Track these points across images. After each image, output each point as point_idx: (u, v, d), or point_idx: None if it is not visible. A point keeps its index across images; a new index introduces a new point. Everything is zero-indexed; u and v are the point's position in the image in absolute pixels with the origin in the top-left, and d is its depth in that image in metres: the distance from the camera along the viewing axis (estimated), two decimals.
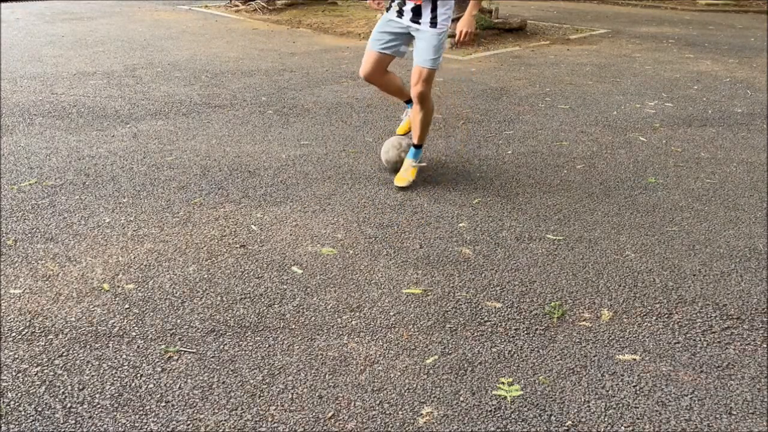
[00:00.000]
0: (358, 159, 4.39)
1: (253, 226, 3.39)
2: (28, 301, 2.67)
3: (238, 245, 3.18)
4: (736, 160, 4.47)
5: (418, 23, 3.61)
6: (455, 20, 8.97)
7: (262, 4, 12.05)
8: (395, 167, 4.02)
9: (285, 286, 2.82)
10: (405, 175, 3.91)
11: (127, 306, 2.65)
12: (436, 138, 4.82)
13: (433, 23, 3.59)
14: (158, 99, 5.83)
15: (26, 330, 2.48)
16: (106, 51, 8.00)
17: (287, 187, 3.91)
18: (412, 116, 3.90)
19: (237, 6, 12.48)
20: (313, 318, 2.59)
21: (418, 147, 3.93)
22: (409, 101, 4.03)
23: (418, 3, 3.59)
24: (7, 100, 5.64)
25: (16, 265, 2.96)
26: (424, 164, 4.04)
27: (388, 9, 3.72)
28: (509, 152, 4.57)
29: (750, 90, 6.50)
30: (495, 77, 6.94)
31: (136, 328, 2.51)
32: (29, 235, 3.24)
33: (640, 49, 8.79)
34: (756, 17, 12.83)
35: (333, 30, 10.08)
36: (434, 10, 3.57)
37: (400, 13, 3.67)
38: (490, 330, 2.53)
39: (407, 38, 3.74)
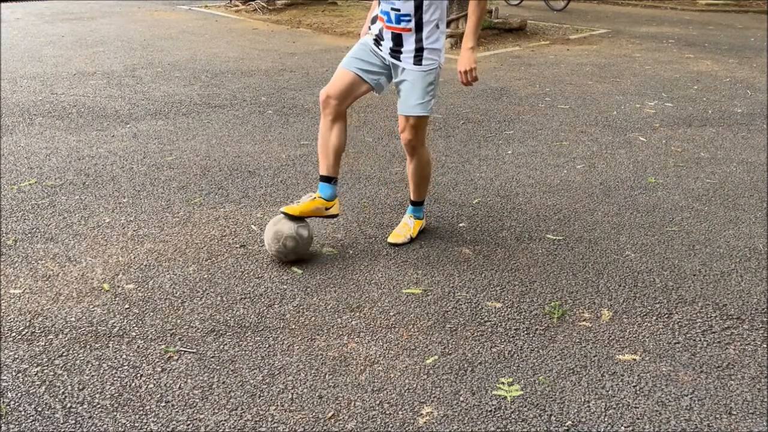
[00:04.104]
0: (358, 159, 4.39)
1: (253, 226, 3.39)
2: (28, 301, 2.67)
3: (238, 245, 3.18)
4: (736, 160, 4.47)
5: (398, 58, 2.89)
6: (455, 20, 8.79)
7: (262, 4, 12.05)
8: (283, 258, 3.00)
9: (285, 286, 2.82)
10: (402, 231, 3.24)
11: (127, 306, 2.65)
12: (436, 138, 4.82)
13: (418, 60, 2.86)
14: (158, 99, 5.83)
15: (26, 330, 2.48)
16: (106, 51, 8.00)
17: (287, 187, 3.90)
18: (408, 169, 3.21)
19: (237, 6, 12.48)
20: (313, 318, 2.59)
21: (417, 204, 3.27)
22: (329, 179, 3.02)
23: (398, 31, 2.86)
24: (7, 100, 5.64)
25: (16, 265, 2.96)
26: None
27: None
28: (509, 152, 4.57)
29: (750, 90, 6.50)
30: (495, 77, 6.94)
31: (136, 328, 2.51)
32: (29, 235, 3.24)
33: (640, 49, 8.79)
34: (756, 17, 12.83)
35: (333, 30, 10.08)
36: (419, 40, 2.84)
37: (378, 41, 2.94)
38: (490, 330, 2.53)
39: (387, 73, 2.99)
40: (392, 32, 2.88)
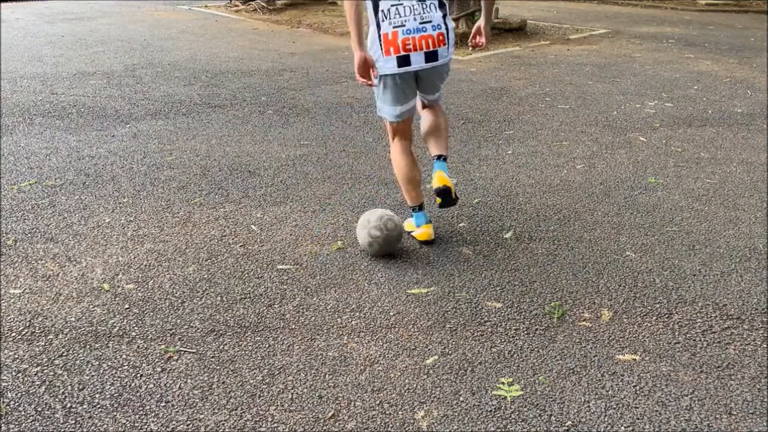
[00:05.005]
0: (358, 159, 4.39)
1: (253, 226, 3.39)
2: (28, 301, 2.67)
3: (238, 245, 3.18)
4: (736, 160, 4.47)
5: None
6: (455, 21, 8.86)
7: (262, 4, 12.05)
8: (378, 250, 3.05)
9: (285, 286, 2.82)
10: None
11: (127, 306, 2.65)
12: None
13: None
14: (158, 99, 5.83)
15: (26, 330, 2.48)
16: (106, 51, 8.00)
17: (287, 187, 3.90)
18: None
19: (237, 6, 12.48)
20: (313, 318, 2.59)
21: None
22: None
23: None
24: (7, 100, 5.64)
25: (16, 265, 2.96)
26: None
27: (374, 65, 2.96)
28: (509, 152, 4.57)
29: (750, 90, 6.49)
30: (495, 77, 6.94)
31: (136, 328, 2.51)
32: (29, 235, 3.24)
33: (640, 49, 8.78)
34: (756, 17, 12.82)
35: (333, 30, 10.08)
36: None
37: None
38: (490, 330, 2.53)
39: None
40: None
